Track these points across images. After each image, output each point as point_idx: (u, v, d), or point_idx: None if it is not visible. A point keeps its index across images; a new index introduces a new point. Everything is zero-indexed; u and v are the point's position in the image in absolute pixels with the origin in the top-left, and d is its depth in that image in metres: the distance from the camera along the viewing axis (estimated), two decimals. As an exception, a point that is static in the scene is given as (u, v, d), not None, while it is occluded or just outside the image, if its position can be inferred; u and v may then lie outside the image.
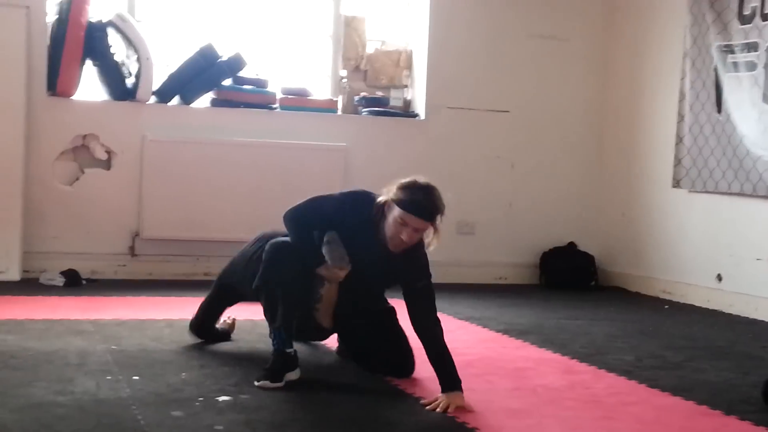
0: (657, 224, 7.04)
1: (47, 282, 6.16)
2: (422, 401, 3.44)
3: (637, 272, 7.20)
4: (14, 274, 6.25)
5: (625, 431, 3.15)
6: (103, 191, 6.58)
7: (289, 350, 3.66)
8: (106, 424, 2.94)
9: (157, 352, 4.09)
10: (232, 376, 3.70)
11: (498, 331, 5.08)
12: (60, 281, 6.15)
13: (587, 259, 7.40)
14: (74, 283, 6.18)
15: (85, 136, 6.56)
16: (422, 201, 3.64)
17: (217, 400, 3.32)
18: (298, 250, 3.69)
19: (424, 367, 3.98)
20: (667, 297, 6.76)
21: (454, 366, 3.55)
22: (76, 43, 6.43)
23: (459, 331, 5.07)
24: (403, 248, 3.64)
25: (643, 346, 4.82)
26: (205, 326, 4.34)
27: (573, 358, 4.38)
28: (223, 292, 4.23)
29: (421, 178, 3.74)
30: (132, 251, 6.64)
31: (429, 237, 3.75)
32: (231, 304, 4.31)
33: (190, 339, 4.33)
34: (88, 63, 6.61)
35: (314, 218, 3.77)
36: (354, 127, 7.14)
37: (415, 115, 7.31)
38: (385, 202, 3.67)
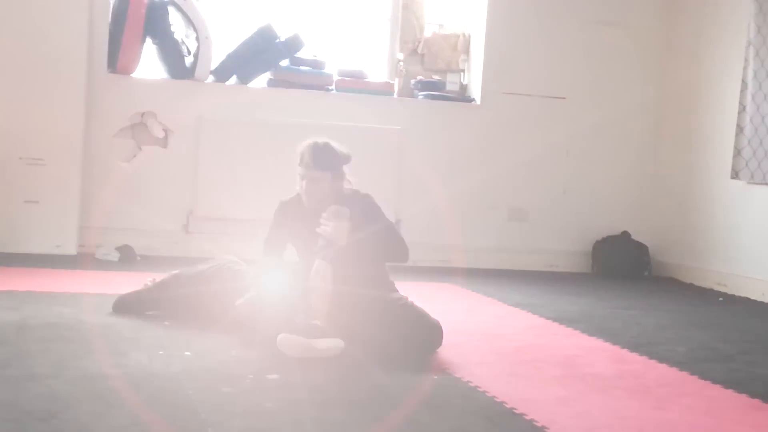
0: (713, 215, 6.94)
1: (103, 257, 6.25)
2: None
3: (692, 263, 7.12)
4: (71, 249, 6.35)
5: (676, 422, 3.12)
6: (159, 169, 6.65)
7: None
8: (158, 398, 2.97)
9: (207, 329, 4.12)
10: (280, 355, 3.71)
11: (548, 318, 5.06)
12: (115, 256, 6.23)
13: (641, 248, 7.33)
14: (129, 258, 6.27)
15: (143, 114, 6.63)
16: (309, 153, 4.01)
17: (266, 378, 3.34)
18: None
19: (473, 353, 4.00)
20: (722, 289, 6.67)
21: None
22: (137, 21, 6.49)
23: (508, 318, 5.06)
24: (317, 201, 4.01)
25: (695, 337, 4.76)
26: None
27: (624, 348, 4.34)
28: None
29: (321, 138, 4.07)
30: (186, 229, 6.71)
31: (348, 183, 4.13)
32: None
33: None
34: (148, 41, 6.67)
35: (271, 246, 4.19)
36: (409, 111, 7.13)
37: (471, 100, 7.28)
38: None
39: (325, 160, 4.02)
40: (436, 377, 3.53)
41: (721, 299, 6.34)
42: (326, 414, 2.94)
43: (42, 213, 6.20)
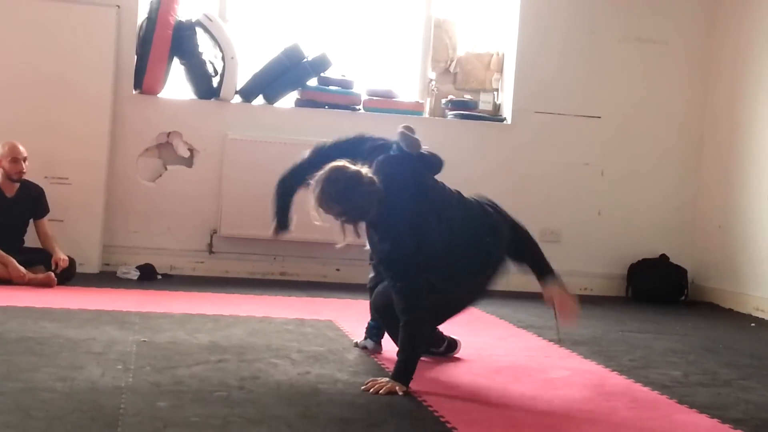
0: (755, 238, 6.68)
1: (123, 275, 6.30)
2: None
3: (731, 288, 6.85)
4: (93, 267, 6.42)
5: (619, 447, 2.97)
6: (184, 188, 6.70)
7: None
8: (83, 411, 2.94)
9: (185, 345, 4.11)
10: (245, 372, 3.67)
11: (551, 340, 4.90)
12: (135, 275, 6.28)
13: (679, 272, 7.10)
14: (149, 277, 6.31)
15: (169, 134, 6.69)
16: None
17: (212, 393, 3.29)
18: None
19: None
20: (760, 315, 6.41)
21: (412, 364, 3.53)
22: (164, 41, 6.56)
23: (510, 339, 4.94)
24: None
25: (699, 362, 4.56)
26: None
27: (614, 371, 4.18)
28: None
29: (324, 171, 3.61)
30: (210, 248, 6.73)
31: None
32: None
33: (230, 334, 4.36)
34: (176, 61, 6.74)
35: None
36: (439, 130, 7.05)
37: (502, 120, 7.16)
38: None
39: (319, 203, 3.60)
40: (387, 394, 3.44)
41: (753, 325, 6.08)
42: (249, 430, 2.87)
43: (66, 231, 6.28)
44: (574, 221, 7.19)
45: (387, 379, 3.50)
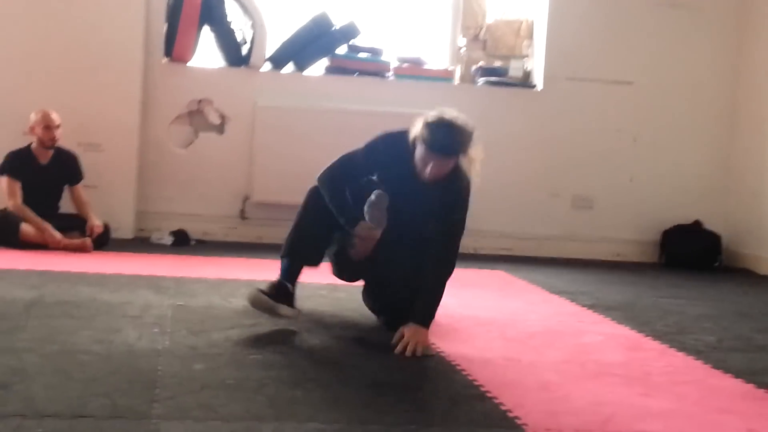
0: (789, 204, 6.63)
1: (157, 241, 6.35)
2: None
3: (766, 254, 6.81)
4: (127, 232, 6.48)
5: (654, 409, 2.96)
6: (215, 155, 6.72)
7: (289, 285, 3.78)
8: (122, 373, 2.98)
9: (219, 309, 4.14)
10: (279, 336, 3.70)
11: (584, 305, 4.90)
12: (168, 240, 6.33)
13: (713, 238, 7.05)
14: (182, 242, 6.35)
15: (200, 101, 6.71)
16: (442, 139, 3.60)
17: (247, 356, 3.32)
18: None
19: (461, 334, 3.91)
20: (794, 281, 6.37)
21: (434, 305, 3.70)
22: (194, 9, 6.57)
23: (541, 304, 4.93)
24: (435, 180, 3.66)
25: (733, 327, 4.55)
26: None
27: (647, 336, 4.17)
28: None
29: (448, 112, 3.70)
30: (242, 214, 6.76)
31: (469, 165, 3.75)
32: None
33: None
34: (206, 29, 6.75)
35: (347, 173, 3.83)
36: (469, 97, 7.01)
37: (533, 86, 7.12)
38: (415, 137, 3.67)
39: (457, 145, 3.64)
40: (420, 358, 3.45)
41: (787, 291, 6.05)
42: (284, 392, 2.90)
43: (100, 197, 6.32)
44: (607, 188, 7.15)
45: (412, 328, 3.55)
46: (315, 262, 3.95)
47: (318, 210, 3.83)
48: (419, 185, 3.71)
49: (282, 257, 3.92)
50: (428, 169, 3.62)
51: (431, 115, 3.68)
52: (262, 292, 3.78)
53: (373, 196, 3.75)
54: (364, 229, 3.76)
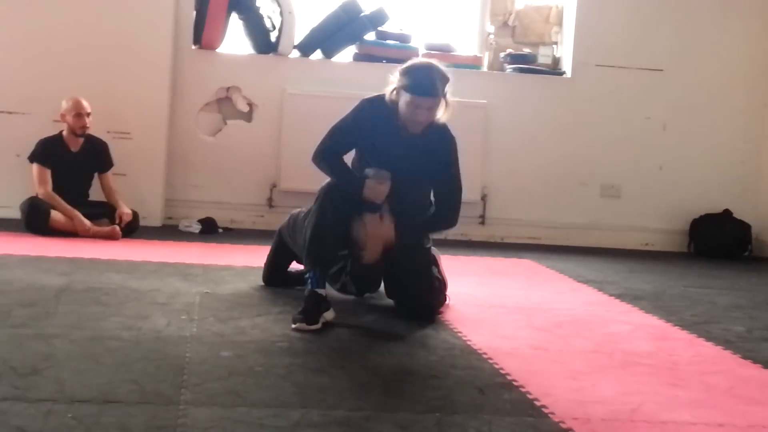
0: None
1: (184, 229, 6.38)
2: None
3: (797, 244, 6.76)
4: (156, 220, 6.51)
5: (683, 399, 2.95)
6: (243, 143, 6.74)
7: (321, 292, 3.71)
8: (150, 359, 3.00)
9: (247, 297, 4.15)
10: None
11: (612, 295, 4.88)
12: (196, 228, 6.35)
13: (743, 227, 7.00)
14: (210, 230, 6.38)
15: (228, 89, 6.72)
16: (425, 80, 3.79)
17: (275, 344, 3.33)
18: (342, 193, 3.85)
19: (484, 324, 3.91)
20: (825, 271, 6.31)
21: (421, 228, 3.98)
22: (222, -4, 6.57)
23: (569, 293, 4.91)
24: (423, 127, 3.87)
25: (763, 317, 4.52)
26: (275, 276, 4.43)
27: (676, 326, 4.15)
28: (283, 246, 4.33)
29: (419, 60, 4.00)
30: (270, 202, 6.78)
31: (440, 112, 3.91)
32: (291, 260, 4.37)
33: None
34: (234, 16, 6.75)
35: (339, 142, 3.99)
36: (497, 84, 7.00)
37: (562, 73, 7.08)
38: (395, 90, 3.85)
39: (441, 86, 3.82)
40: (447, 346, 3.45)
41: (818, 281, 5.99)
42: (311, 379, 2.91)
43: (129, 185, 6.35)
44: (635, 176, 7.11)
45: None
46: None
47: (331, 213, 3.84)
48: (408, 142, 3.88)
49: (306, 271, 3.84)
50: (418, 115, 3.79)
51: (405, 64, 3.88)
52: (302, 320, 3.60)
53: (369, 171, 3.87)
54: (372, 184, 3.83)
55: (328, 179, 3.98)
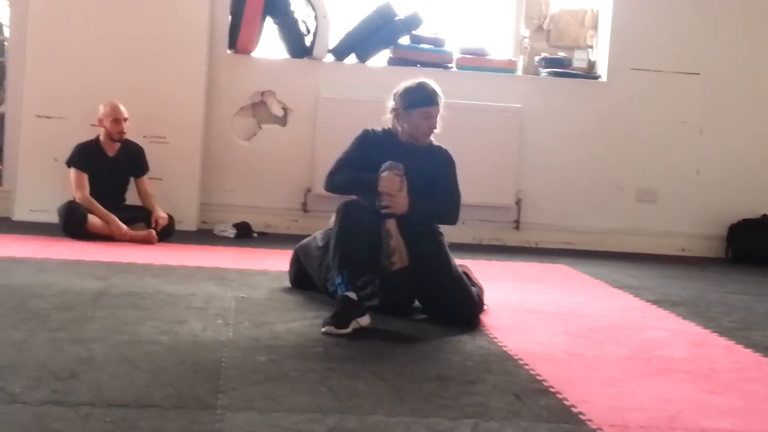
0: None
1: (220, 233, 6.41)
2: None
3: (835, 249, 6.67)
4: (191, 225, 6.54)
5: (722, 406, 2.92)
6: (278, 147, 6.76)
7: (352, 296, 3.71)
8: (187, 363, 3.01)
9: (282, 302, 4.16)
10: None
11: (648, 300, 4.85)
12: (231, 233, 6.38)
13: (782, 233, 6.93)
14: (245, 235, 6.40)
15: (263, 93, 6.75)
16: (428, 92, 4.10)
17: (310, 349, 3.33)
18: (364, 206, 3.92)
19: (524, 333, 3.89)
20: None
21: (425, 208, 4.05)
22: (257, 0, 6.60)
23: (605, 299, 4.88)
24: (430, 136, 4.15)
25: (802, 324, 4.46)
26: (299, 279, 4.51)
27: (714, 332, 4.11)
28: (301, 266, 4.44)
29: (410, 80, 4.17)
30: (304, 207, 6.79)
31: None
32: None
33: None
34: (269, 21, 6.78)
35: (348, 166, 4.10)
36: (531, 88, 6.98)
37: (597, 77, 7.04)
38: (396, 113, 4.13)
39: (437, 95, 4.11)
40: (483, 351, 3.44)
41: None
42: (346, 385, 2.91)
43: (165, 190, 6.39)
44: (672, 181, 7.06)
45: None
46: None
47: (354, 221, 3.87)
48: (412, 155, 4.06)
49: (337, 276, 3.82)
50: (426, 125, 4.07)
51: (399, 88, 4.16)
52: (331, 324, 3.61)
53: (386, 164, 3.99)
54: (388, 177, 3.93)
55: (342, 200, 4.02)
